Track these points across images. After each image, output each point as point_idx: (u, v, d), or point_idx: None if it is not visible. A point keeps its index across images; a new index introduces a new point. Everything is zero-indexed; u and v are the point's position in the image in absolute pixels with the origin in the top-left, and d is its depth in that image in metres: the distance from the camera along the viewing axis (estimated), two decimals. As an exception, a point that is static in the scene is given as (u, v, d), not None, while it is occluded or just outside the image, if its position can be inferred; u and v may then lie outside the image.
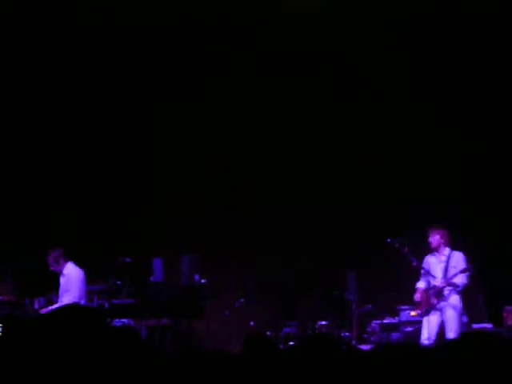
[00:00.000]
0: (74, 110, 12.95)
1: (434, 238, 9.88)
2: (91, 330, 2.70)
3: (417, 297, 9.84)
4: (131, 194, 13.08)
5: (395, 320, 11.29)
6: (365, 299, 11.45)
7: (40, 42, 12.34)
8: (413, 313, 10.57)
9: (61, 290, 10.05)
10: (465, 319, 10.11)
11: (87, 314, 2.76)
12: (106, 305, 10.35)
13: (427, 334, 9.52)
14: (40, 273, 10.23)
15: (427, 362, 3.05)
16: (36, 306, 10.47)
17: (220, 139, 13.08)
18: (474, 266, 9.57)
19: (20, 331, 2.80)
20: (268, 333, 10.55)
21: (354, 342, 10.75)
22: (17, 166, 12.77)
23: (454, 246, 9.95)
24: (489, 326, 10.90)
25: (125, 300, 10.46)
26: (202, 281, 10.84)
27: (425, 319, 9.68)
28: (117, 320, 10.04)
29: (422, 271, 9.80)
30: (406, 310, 11.09)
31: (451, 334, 9.36)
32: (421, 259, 9.97)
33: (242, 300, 11.71)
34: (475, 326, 10.73)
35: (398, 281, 10.46)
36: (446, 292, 9.69)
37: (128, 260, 10.56)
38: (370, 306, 11.36)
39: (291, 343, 10.68)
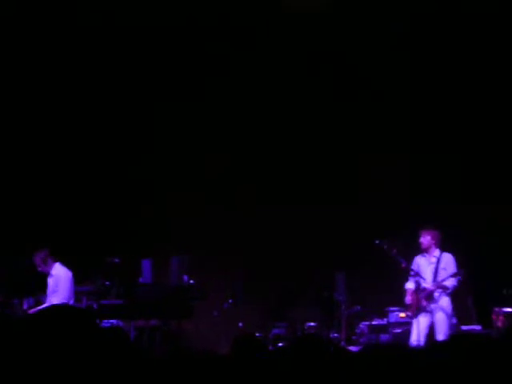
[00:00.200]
0: (74, 110, 12.96)
1: (425, 239, 9.83)
2: (79, 330, 2.69)
3: (407, 299, 9.78)
4: (127, 194, 13.09)
5: (384, 321, 11.27)
6: (354, 300, 11.45)
7: (40, 41, 12.35)
8: (402, 314, 10.55)
9: (49, 291, 10.01)
10: (454, 321, 10.08)
11: (75, 314, 2.75)
12: (95, 305, 10.33)
13: (417, 335, 9.48)
14: (29, 273, 10.20)
15: (416, 364, 3.04)
16: (25, 306, 10.46)
17: (220, 139, 13.08)
18: (464, 270, 9.52)
19: (8, 331, 2.80)
20: (257, 334, 10.56)
21: (342, 343, 10.73)
22: (7, 165, 12.76)
23: (444, 248, 9.92)
24: (478, 327, 10.89)
25: (113, 301, 10.45)
26: (191, 281, 10.84)
27: (414, 321, 9.63)
28: (105, 321, 10.04)
29: (411, 272, 9.76)
30: (394, 311, 11.08)
31: (440, 335, 9.35)
32: (410, 259, 9.92)
33: (230, 301, 11.71)
34: (464, 327, 10.71)
35: (387, 282, 10.44)
36: (436, 294, 9.66)
37: (117, 261, 10.56)
38: (358, 307, 11.35)
39: (280, 344, 10.65)
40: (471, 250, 11.03)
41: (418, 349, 3.92)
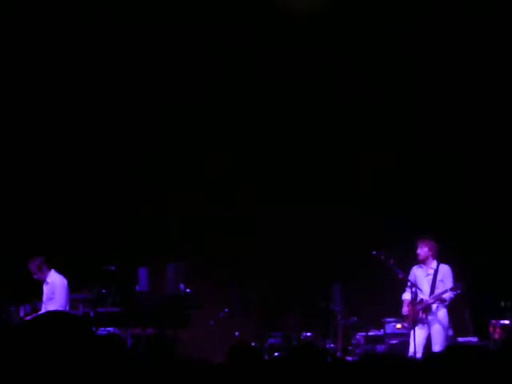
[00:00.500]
0: (74, 110, 12.95)
1: (423, 250, 9.79)
2: (75, 337, 2.69)
3: (404, 311, 9.76)
4: (124, 202, 13.08)
5: (380, 332, 11.25)
6: (350, 311, 11.42)
7: (40, 41, 12.34)
8: (398, 325, 10.52)
9: (44, 298, 10.01)
10: (450, 333, 10.06)
11: (71, 321, 2.75)
12: (92, 313, 10.33)
13: (414, 347, 9.45)
14: (25, 280, 10.18)
15: (413, 375, 3.04)
16: (21, 313, 10.45)
17: (220, 139, 13.08)
18: (463, 283, 9.50)
19: (4, 338, 2.80)
20: (253, 343, 10.55)
21: (339, 353, 10.71)
22: (4, 170, 12.74)
23: (442, 259, 9.89)
24: (474, 339, 10.87)
25: (110, 308, 10.44)
26: (187, 290, 10.82)
27: (412, 332, 9.60)
28: (102, 329, 10.02)
29: (408, 283, 9.72)
30: (391, 322, 11.05)
31: (437, 347, 9.33)
32: (407, 270, 9.89)
33: (226, 310, 11.71)
34: (461, 339, 10.69)
35: (384, 293, 10.42)
36: (434, 306, 9.64)
37: (113, 269, 10.54)
38: (355, 318, 11.33)
39: (276, 354, 10.62)
40: (468, 261, 11.03)
41: (414, 360, 3.92)
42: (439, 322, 9.58)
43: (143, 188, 13.13)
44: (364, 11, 12.21)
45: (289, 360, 3.34)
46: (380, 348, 10.91)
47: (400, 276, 9.68)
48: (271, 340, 11.46)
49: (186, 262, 11.30)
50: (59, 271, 10.07)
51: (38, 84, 12.68)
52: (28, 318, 10.02)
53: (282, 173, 13.14)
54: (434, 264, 9.79)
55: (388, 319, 11.10)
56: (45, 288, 10.02)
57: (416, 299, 9.63)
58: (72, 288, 10.18)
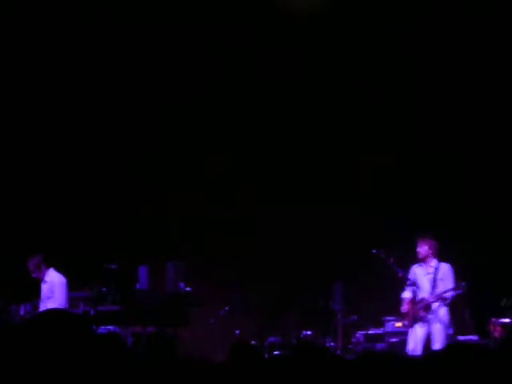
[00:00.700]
0: (73, 111, 12.95)
1: (423, 249, 9.79)
2: (76, 335, 2.70)
3: (404, 308, 9.75)
4: (124, 201, 13.08)
5: (380, 331, 11.26)
6: (350, 310, 11.42)
7: (40, 41, 12.34)
8: (398, 324, 10.52)
9: (42, 297, 9.99)
10: (450, 331, 10.06)
11: (71, 319, 2.76)
12: (92, 312, 10.33)
13: (413, 345, 9.45)
14: (26, 279, 10.18)
15: (413, 373, 3.05)
16: (22, 312, 10.45)
17: (220, 139, 13.08)
18: (465, 283, 9.50)
19: (5, 337, 2.80)
20: (252, 342, 10.54)
21: (338, 352, 10.70)
22: (4, 170, 12.74)
23: (442, 258, 9.89)
24: (474, 337, 10.86)
25: (110, 307, 10.45)
26: (187, 289, 10.83)
27: (411, 330, 9.60)
28: (102, 327, 10.03)
29: (408, 282, 9.72)
30: (391, 320, 11.05)
31: (437, 345, 9.33)
32: (406, 269, 9.88)
33: (226, 308, 11.71)
34: (461, 338, 10.69)
35: (384, 291, 10.42)
36: (434, 305, 9.64)
37: (114, 267, 10.54)
38: (355, 316, 11.33)
39: (276, 353, 10.62)
40: (468, 260, 11.03)
41: (414, 358, 3.92)
42: (440, 320, 9.58)
43: (143, 188, 13.13)
44: (364, 11, 12.21)
45: (289, 358, 3.34)
46: (380, 346, 10.92)
47: (400, 274, 9.68)
48: (271, 338, 11.45)
49: (186, 261, 11.31)
50: (60, 270, 10.07)
51: (39, 84, 12.68)
52: (28, 316, 10.04)
53: (281, 173, 13.14)
54: (434, 262, 9.78)
55: (388, 317, 11.11)
56: (43, 287, 10.02)
57: (416, 298, 9.63)
58: (72, 286, 10.17)
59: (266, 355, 9.80)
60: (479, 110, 12.43)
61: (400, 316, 10.10)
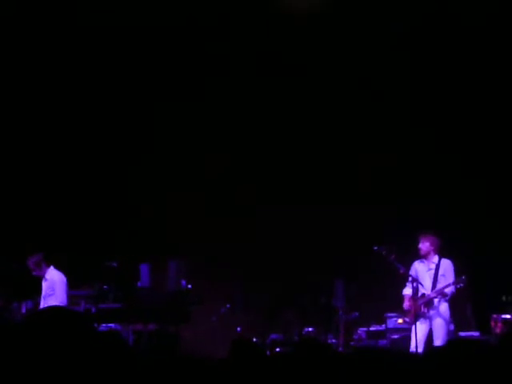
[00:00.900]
0: (74, 110, 12.95)
1: (424, 245, 9.79)
2: (76, 333, 2.69)
3: (406, 305, 9.75)
4: (125, 199, 13.09)
5: (382, 327, 11.27)
6: (352, 307, 11.42)
7: (40, 41, 12.34)
8: (400, 320, 10.52)
9: (43, 295, 9.98)
10: (452, 327, 10.07)
11: (72, 317, 2.75)
12: (93, 309, 10.34)
13: (415, 341, 9.45)
14: (27, 277, 10.19)
15: (415, 369, 3.04)
16: (23, 309, 10.45)
17: (220, 139, 13.08)
18: (466, 277, 9.50)
19: (5, 334, 2.79)
20: (254, 339, 10.54)
21: (340, 348, 10.71)
22: (5, 168, 12.74)
23: (443, 254, 9.89)
24: (476, 333, 10.88)
25: (112, 305, 10.45)
26: (189, 286, 10.83)
27: (413, 327, 9.60)
28: (104, 325, 10.03)
29: (410, 278, 9.73)
30: (392, 317, 11.06)
31: (438, 341, 9.32)
32: (408, 265, 9.89)
33: (227, 306, 11.71)
34: (462, 334, 10.69)
35: (385, 288, 10.42)
36: (435, 301, 9.65)
37: (115, 265, 10.55)
38: (356, 313, 11.33)
39: (277, 349, 10.62)
40: (470, 256, 11.03)
41: (415, 354, 3.92)
42: (441, 316, 9.59)
43: (143, 188, 13.14)
44: (364, 11, 12.21)
45: (291, 355, 3.34)
46: (382, 343, 10.93)
47: (401, 271, 9.68)
48: (273, 335, 11.45)
49: (187, 259, 11.32)
50: (62, 268, 10.07)
51: (39, 84, 12.69)
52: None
53: (282, 173, 13.15)
54: (435, 259, 9.79)
55: (389, 314, 11.12)
56: (43, 284, 10.02)
57: (417, 294, 9.64)
58: (74, 284, 10.18)
59: (268, 352, 9.78)
60: (479, 109, 12.44)
61: (402, 312, 10.10)
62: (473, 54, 12.17)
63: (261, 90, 12.87)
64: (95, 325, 9.70)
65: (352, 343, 11.18)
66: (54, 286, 9.91)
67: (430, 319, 9.60)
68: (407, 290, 9.78)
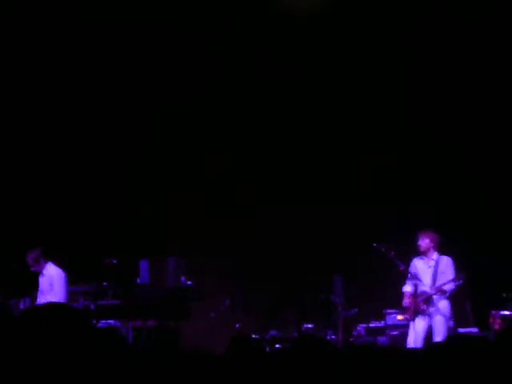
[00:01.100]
0: (74, 110, 12.95)
1: (424, 242, 9.81)
2: (75, 330, 2.68)
3: (405, 302, 9.75)
4: (125, 194, 13.08)
5: (381, 324, 11.26)
6: (351, 303, 11.42)
7: (40, 41, 12.34)
8: (399, 317, 10.53)
9: (40, 290, 10.00)
10: (451, 324, 10.07)
11: (71, 313, 2.75)
12: (92, 306, 10.33)
13: (414, 338, 9.45)
14: (25, 273, 10.19)
15: (414, 365, 3.05)
16: (22, 306, 10.45)
17: (220, 139, 13.08)
18: (465, 274, 9.51)
19: (4, 330, 2.79)
20: (253, 335, 10.54)
21: (339, 345, 10.69)
22: (4, 165, 12.74)
23: (443, 251, 9.89)
24: (475, 330, 10.88)
25: (111, 301, 10.45)
26: (188, 283, 10.83)
27: (412, 324, 9.60)
28: (103, 321, 10.03)
29: (409, 275, 9.73)
30: (392, 313, 11.05)
31: (438, 338, 9.34)
32: (407, 262, 9.89)
33: (227, 302, 11.70)
34: (461, 330, 10.69)
35: (385, 285, 10.43)
36: (435, 297, 9.65)
37: (114, 261, 10.54)
38: (355, 309, 11.33)
39: (277, 346, 10.62)
40: (470, 253, 11.04)
41: (414, 350, 3.92)
42: (441, 313, 9.60)
43: (143, 187, 13.13)
44: (364, 11, 12.22)
45: (291, 351, 3.34)
46: (381, 339, 10.93)
47: (401, 268, 9.69)
48: (272, 332, 11.44)
49: (187, 256, 11.32)
50: (61, 264, 10.07)
51: (39, 84, 12.69)
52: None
53: (282, 173, 13.14)
54: (435, 256, 9.80)
55: (389, 310, 11.11)
56: (41, 280, 10.03)
57: (417, 291, 9.64)
58: (73, 281, 10.18)
59: (268, 349, 9.78)
60: (479, 109, 12.44)
61: (401, 309, 10.11)
62: (473, 54, 12.18)
63: (261, 90, 12.87)
64: (94, 321, 9.71)
65: (351, 340, 11.18)
66: (52, 282, 9.92)
67: (430, 316, 9.60)
68: (407, 287, 9.79)
